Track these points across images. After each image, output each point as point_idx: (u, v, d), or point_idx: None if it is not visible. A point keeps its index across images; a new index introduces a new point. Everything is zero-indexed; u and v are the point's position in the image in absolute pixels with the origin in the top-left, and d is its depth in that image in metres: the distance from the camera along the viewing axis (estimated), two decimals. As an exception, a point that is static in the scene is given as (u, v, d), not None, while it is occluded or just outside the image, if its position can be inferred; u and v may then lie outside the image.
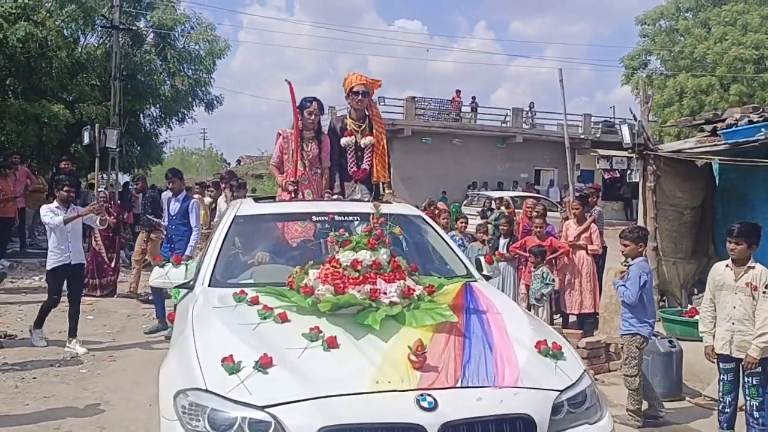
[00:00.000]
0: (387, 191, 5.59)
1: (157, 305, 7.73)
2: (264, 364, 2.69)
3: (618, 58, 32.18)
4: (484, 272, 4.37)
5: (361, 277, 3.22)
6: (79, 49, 17.04)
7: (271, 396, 2.58)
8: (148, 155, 20.66)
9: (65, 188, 6.79)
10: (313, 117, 5.36)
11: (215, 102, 20.15)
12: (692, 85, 23.95)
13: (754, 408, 4.43)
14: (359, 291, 3.14)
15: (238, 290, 3.50)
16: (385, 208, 4.36)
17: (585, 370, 3.09)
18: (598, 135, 29.42)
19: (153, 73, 18.41)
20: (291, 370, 2.71)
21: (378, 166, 5.60)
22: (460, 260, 4.37)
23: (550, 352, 3.03)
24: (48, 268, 6.77)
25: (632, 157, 24.45)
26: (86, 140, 13.44)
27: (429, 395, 2.59)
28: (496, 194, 21.12)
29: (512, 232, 8.58)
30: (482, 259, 4.52)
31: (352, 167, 5.57)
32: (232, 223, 4.32)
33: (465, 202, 22.47)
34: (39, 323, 6.94)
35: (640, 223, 7.86)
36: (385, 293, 3.18)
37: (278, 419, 2.51)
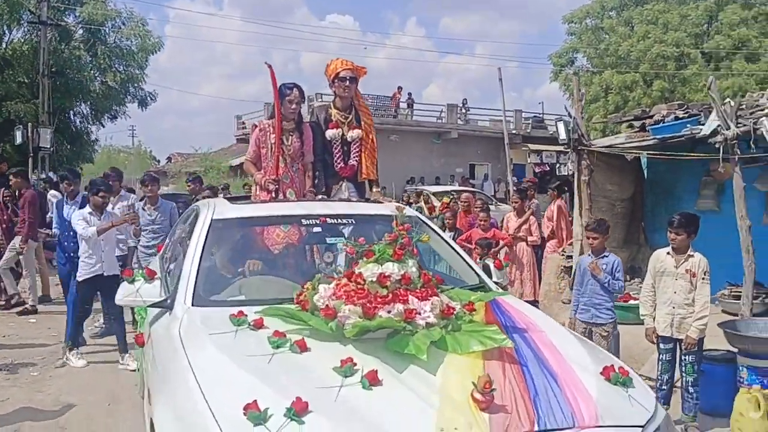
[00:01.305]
0: (375, 190, 5.19)
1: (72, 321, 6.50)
2: (299, 411, 2.14)
3: (546, 55, 33.20)
4: (494, 279, 3.89)
5: (390, 295, 2.71)
6: (4, 45, 16.45)
7: None
8: (78, 154, 20.10)
9: (100, 193, 6.20)
10: (294, 106, 4.76)
11: (149, 98, 19.83)
12: (617, 81, 24.93)
13: (689, 384, 4.81)
14: (391, 312, 2.63)
15: (233, 311, 2.93)
16: (376, 209, 4.22)
17: (656, 398, 2.78)
18: (528, 130, 30.36)
19: (83, 69, 17.96)
20: (331, 417, 2.17)
21: (367, 162, 5.08)
22: (470, 267, 3.93)
23: (620, 380, 2.63)
24: (79, 279, 6.22)
25: (561, 151, 25.25)
26: (18, 140, 13.07)
27: None
28: (433, 189, 21.51)
29: (455, 226, 8.89)
30: (491, 264, 4.10)
31: (338, 163, 5.04)
32: (209, 228, 3.68)
33: (404, 197, 22.79)
34: (74, 341, 6.39)
35: (576, 215, 8.28)
36: (419, 313, 2.69)
37: None
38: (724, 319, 5.88)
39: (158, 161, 51.61)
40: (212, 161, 35.01)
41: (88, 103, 18.82)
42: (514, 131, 29.50)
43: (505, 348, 2.59)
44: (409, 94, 30.52)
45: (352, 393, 2.29)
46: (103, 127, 20.62)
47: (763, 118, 6.45)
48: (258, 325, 2.82)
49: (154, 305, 3.40)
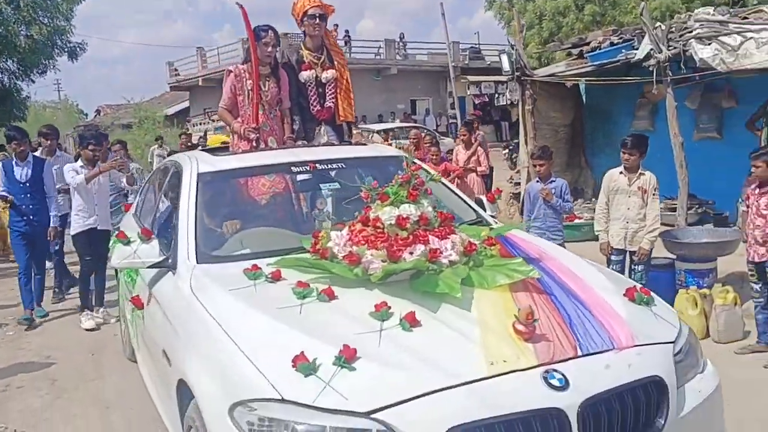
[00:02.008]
0: (356, 131, 5.11)
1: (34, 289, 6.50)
2: (348, 359, 2.11)
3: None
4: (488, 212, 3.93)
5: (410, 237, 2.66)
6: None
7: (374, 398, 2.02)
8: (9, 113, 19.33)
9: (90, 146, 6.14)
10: (270, 49, 4.49)
11: (78, 50, 19.08)
12: (550, 7, 25.12)
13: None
14: (414, 253, 2.60)
15: (245, 265, 2.85)
16: (364, 152, 4.20)
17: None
18: (466, 62, 30.51)
19: (5, 23, 17.10)
20: (381, 361, 2.14)
21: (344, 104, 4.91)
22: (466, 204, 3.95)
23: (644, 299, 2.70)
24: (72, 233, 6.19)
25: (499, 81, 25.47)
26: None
27: (555, 371, 2.16)
28: (376, 127, 21.62)
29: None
30: (484, 198, 4.13)
31: (314, 106, 4.83)
32: (198, 182, 3.55)
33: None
34: (86, 302, 6.30)
35: (522, 143, 8.68)
36: (442, 252, 2.67)
37: (390, 426, 1.98)
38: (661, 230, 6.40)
39: (86, 114, 49.78)
40: (146, 111, 34.09)
41: (15, 59, 18.01)
42: (453, 64, 29.66)
43: (529, 279, 2.62)
44: (346, 31, 30.14)
45: (393, 336, 2.26)
46: (33, 83, 19.82)
47: (692, 40, 6.88)
48: (276, 278, 2.75)
49: (154, 266, 3.25)
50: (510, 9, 26.93)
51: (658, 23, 7.34)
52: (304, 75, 4.79)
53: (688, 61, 7.01)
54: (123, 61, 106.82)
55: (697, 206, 7.86)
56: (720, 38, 6.79)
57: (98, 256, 6.24)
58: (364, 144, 4.58)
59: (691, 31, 7.15)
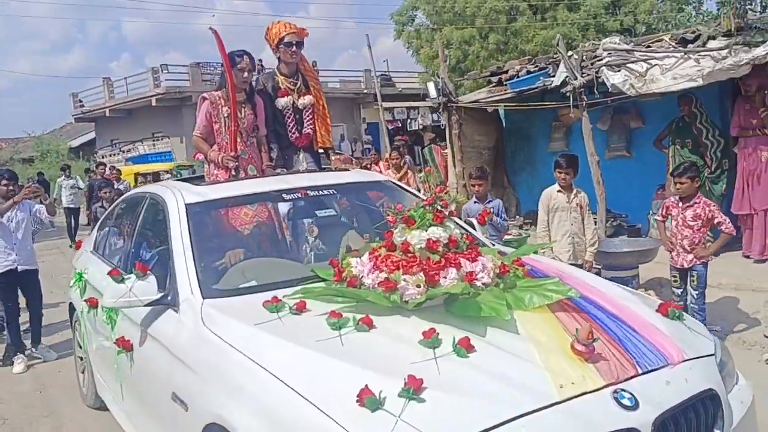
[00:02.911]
0: (335, 157, 5.06)
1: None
2: (417, 390, 1.98)
3: (386, 13, 33.82)
4: (480, 234, 3.85)
5: (443, 260, 2.58)
6: None
7: (451, 430, 1.94)
8: None
9: (2, 182, 5.76)
10: (246, 74, 4.40)
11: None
12: (457, 36, 26.18)
13: None
14: (447, 277, 2.52)
15: (259, 297, 2.71)
16: (353, 177, 4.18)
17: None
18: (379, 89, 31.16)
19: None
20: (448, 390, 2.03)
21: (321, 130, 4.89)
22: (460, 226, 3.71)
23: (676, 314, 2.71)
24: None
25: (411, 107, 26.16)
26: None
27: (623, 390, 2.13)
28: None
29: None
30: (474, 220, 4.08)
31: (293, 133, 4.78)
32: (187, 214, 3.36)
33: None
34: (16, 345, 5.92)
35: (450, 165, 9.13)
36: (477, 275, 2.59)
37: None
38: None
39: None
40: (48, 144, 32.76)
41: None
42: (365, 90, 30.29)
43: (565, 299, 2.56)
44: (260, 60, 30.19)
45: (451, 363, 2.16)
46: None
47: (603, 67, 7.53)
48: (300, 309, 2.62)
49: (151, 303, 3.00)
50: (418, 38, 28.06)
51: (571, 52, 7.96)
52: (282, 102, 4.73)
53: (599, 87, 7.66)
54: (11, 94, 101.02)
55: (612, 219, 8.50)
56: (628, 65, 7.46)
57: (30, 295, 6.01)
58: (347, 169, 4.58)
59: (600, 59, 7.83)
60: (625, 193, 8.47)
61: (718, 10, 19.97)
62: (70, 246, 13.01)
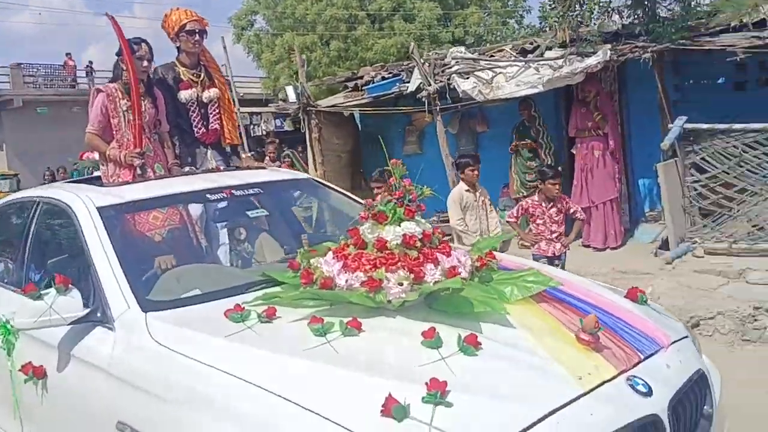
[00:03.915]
0: (245, 155, 4.82)
1: None
2: (443, 393, 1.82)
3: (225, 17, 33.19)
4: None
5: (420, 256, 2.43)
6: None
7: None
8: None
9: None
10: (145, 63, 4.07)
11: None
12: (298, 42, 26.29)
13: None
14: (429, 273, 2.37)
15: (222, 306, 2.42)
16: (275, 175, 3.96)
17: None
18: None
19: None
20: (472, 391, 1.90)
21: (229, 126, 4.60)
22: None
23: (643, 299, 2.70)
24: None
25: (254, 113, 25.86)
26: None
27: (635, 377, 2.10)
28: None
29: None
30: None
31: (198, 129, 4.45)
32: (102, 219, 2.96)
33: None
34: None
35: (311, 169, 9.26)
36: (459, 270, 2.47)
37: None
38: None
39: None
40: None
41: None
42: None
43: (544, 291, 2.50)
44: (90, 62, 28.46)
45: (462, 363, 2.00)
46: None
47: (454, 75, 8.06)
48: (271, 316, 2.36)
49: (77, 322, 2.58)
50: (258, 42, 27.90)
51: (425, 60, 8.42)
52: (185, 95, 4.39)
53: (451, 92, 8.19)
54: None
55: (464, 217, 9.09)
56: (476, 73, 8.06)
57: None
58: (264, 167, 4.29)
59: (450, 67, 8.38)
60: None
61: (541, 23, 21.86)
62: None
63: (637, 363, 2.18)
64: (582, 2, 7.93)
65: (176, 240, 3.51)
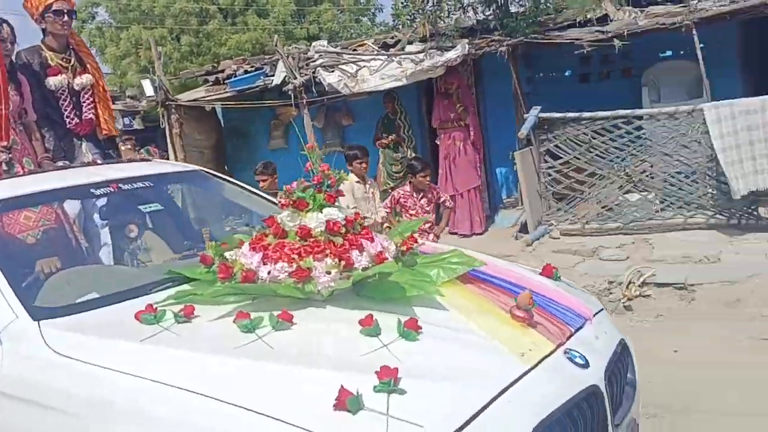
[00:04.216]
0: (123, 147, 4.56)
1: None
2: (396, 381, 1.74)
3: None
4: None
5: (346, 243, 2.35)
6: None
7: (448, 418, 1.73)
8: None
9: None
10: (8, 46, 3.71)
11: None
12: (146, 36, 25.14)
13: None
14: (357, 260, 2.28)
15: (128, 308, 2.24)
16: (157, 167, 3.66)
17: None
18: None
19: None
20: (421, 376, 1.83)
21: (105, 115, 4.32)
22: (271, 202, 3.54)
23: (557, 275, 2.73)
24: None
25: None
26: None
27: (571, 350, 2.11)
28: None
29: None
30: None
31: (71, 119, 4.15)
32: None
33: None
34: None
35: (173, 166, 8.90)
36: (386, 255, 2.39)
37: None
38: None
39: None
40: None
41: None
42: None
43: (467, 272, 2.47)
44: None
45: (403, 348, 1.94)
46: None
47: (319, 68, 8.07)
48: (189, 315, 2.17)
49: None
50: (101, 36, 26.36)
51: (288, 54, 8.35)
52: (54, 81, 4.06)
53: (316, 86, 8.19)
54: None
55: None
56: (341, 66, 8.11)
57: None
58: (149, 159, 4.05)
59: (314, 60, 8.37)
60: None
61: (394, 21, 22.41)
62: None
63: (570, 336, 2.20)
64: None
65: (53, 241, 3.22)
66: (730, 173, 6.06)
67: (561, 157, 6.99)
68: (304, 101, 8.10)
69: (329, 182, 2.51)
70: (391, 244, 2.46)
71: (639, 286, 5.65)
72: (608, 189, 6.88)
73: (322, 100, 8.48)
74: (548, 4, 7.93)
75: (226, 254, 2.44)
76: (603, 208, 6.94)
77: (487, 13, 8.23)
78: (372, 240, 2.40)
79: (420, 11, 8.43)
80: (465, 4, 8.38)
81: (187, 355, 1.97)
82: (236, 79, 8.62)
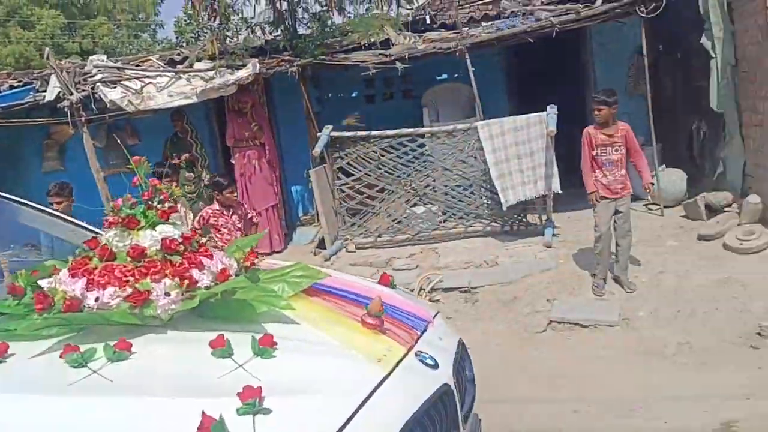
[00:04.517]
0: None
1: None
2: (261, 401, 1.67)
3: None
4: None
5: (184, 261, 2.21)
6: None
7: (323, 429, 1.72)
8: None
9: None
10: None
11: None
12: None
13: None
14: (206, 278, 2.19)
15: None
16: None
17: None
18: None
19: None
20: (283, 393, 1.77)
21: None
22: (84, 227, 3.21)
23: (393, 284, 2.76)
24: None
25: None
26: None
27: (421, 352, 2.17)
28: None
29: None
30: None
31: None
32: None
33: None
34: None
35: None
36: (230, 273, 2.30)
37: None
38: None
39: None
40: None
41: None
42: None
43: (311, 284, 2.42)
44: None
45: (260, 366, 1.87)
46: None
47: (99, 83, 7.57)
48: (2, 354, 1.91)
49: None
50: None
51: (62, 68, 7.72)
52: None
53: (96, 103, 7.66)
54: None
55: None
56: (123, 83, 7.68)
57: None
58: None
59: (93, 75, 7.85)
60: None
61: (177, 38, 21.71)
62: None
63: (417, 339, 2.25)
64: (226, 17, 8.15)
65: None
66: (501, 185, 6.73)
67: (353, 174, 7.26)
68: (83, 119, 7.52)
69: (161, 197, 2.35)
70: (232, 260, 2.35)
71: (429, 291, 6.05)
72: (397, 203, 7.28)
73: (103, 117, 7.94)
74: (334, 27, 8.20)
75: (40, 282, 2.16)
76: (393, 221, 7.32)
77: (275, 34, 8.31)
78: (211, 257, 2.27)
79: (206, 29, 8.30)
80: (253, 24, 8.41)
81: (8, 398, 1.72)
82: (0, 95, 7.79)
